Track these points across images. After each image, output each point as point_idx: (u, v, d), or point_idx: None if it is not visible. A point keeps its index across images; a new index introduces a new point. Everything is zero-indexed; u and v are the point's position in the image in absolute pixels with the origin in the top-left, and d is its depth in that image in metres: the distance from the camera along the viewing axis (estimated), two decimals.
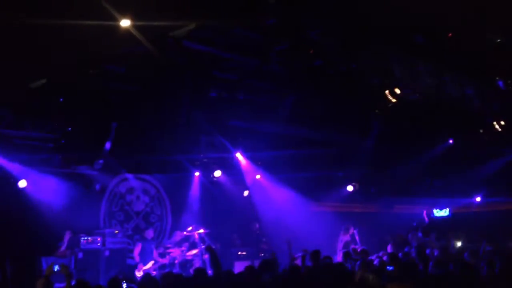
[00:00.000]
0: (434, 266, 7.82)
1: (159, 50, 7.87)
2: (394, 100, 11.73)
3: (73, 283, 7.29)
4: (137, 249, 12.89)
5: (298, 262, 9.77)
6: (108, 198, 14.14)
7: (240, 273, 8.00)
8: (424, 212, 16.19)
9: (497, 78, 11.91)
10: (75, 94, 9.84)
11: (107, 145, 11.38)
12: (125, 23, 6.59)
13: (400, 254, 10.83)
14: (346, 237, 14.29)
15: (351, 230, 14.36)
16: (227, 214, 15.59)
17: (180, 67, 9.14)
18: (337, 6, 8.33)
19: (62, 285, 8.33)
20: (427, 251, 11.05)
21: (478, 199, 18.78)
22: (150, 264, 12.58)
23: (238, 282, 7.35)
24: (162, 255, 13.04)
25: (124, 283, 10.11)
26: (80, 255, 11.93)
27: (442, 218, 20.06)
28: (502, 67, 11.73)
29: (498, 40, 10.46)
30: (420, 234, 15.63)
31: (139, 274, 12.23)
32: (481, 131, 14.95)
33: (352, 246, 13.50)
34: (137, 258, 12.75)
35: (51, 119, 11.17)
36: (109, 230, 12.91)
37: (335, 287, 6.34)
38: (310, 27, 8.66)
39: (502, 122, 14.46)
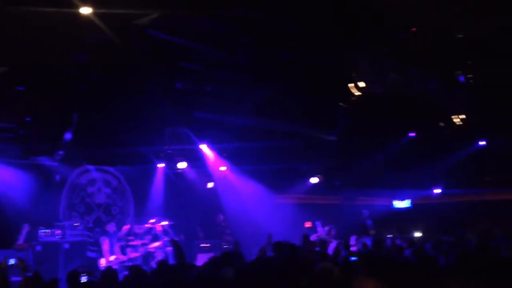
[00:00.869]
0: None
1: (122, 39, 7.69)
2: (358, 93, 11.86)
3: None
4: (105, 245, 12.52)
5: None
6: (69, 190, 13.83)
7: (203, 265, 7.91)
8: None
9: (457, 72, 12.17)
10: (36, 83, 9.55)
11: (68, 136, 11.10)
12: (86, 10, 6.40)
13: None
14: (322, 231, 14.33)
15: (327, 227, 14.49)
16: (191, 206, 15.51)
17: (145, 57, 8.96)
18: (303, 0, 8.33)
19: (18, 278, 8.10)
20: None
21: (438, 190, 19.24)
22: (112, 258, 12.37)
23: (200, 275, 7.25)
24: (123, 248, 12.85)
25: (84, 276, 9.94)
26: (39, 248, 11.63)
27: (403, 209, 20.51)
28: (462, 62, 12.01)
29: (459, 36, 10.68)
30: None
31: (103, 264, 12.02)
32: (441, 124, 15.29)
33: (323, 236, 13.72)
34: (106, 254, 12.39)
35: (10, 109, 10.80)
36: (69, 223, 12.63)
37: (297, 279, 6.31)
38: (276, 20, 8.63)
39: (462, 116, 14.84)
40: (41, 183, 12.75)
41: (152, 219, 13.59)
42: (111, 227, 13.02)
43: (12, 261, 8.87)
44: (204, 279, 6.81)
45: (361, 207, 18.01)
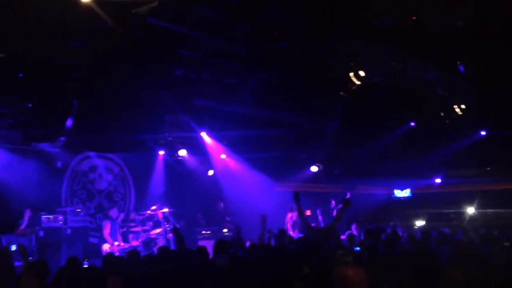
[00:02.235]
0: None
1: (122, 27, 7.74)
2: (358, 82, 11.89)
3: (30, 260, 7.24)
4: (106, 229, 12.58)
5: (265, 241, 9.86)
6: (70, 176, 13.94)
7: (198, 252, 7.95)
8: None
9: (458, 62, 12.15)
10: (36, 69, 9.60)
11: (69, 122, 11.18)
12: None
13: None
14: (293, 215, 14.25)
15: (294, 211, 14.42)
16: (192, 193, 15.60)
17: (145, 44, 9.01)
18: None
19: (20, 263, 8.23)
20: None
21: (438, 180, 19.30)
22: (116, 244, 12.45)
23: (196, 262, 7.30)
24: (125, 235, 12.98)
25: (86, 262, 10.08)
26: (41, 233, 11.73)
27: (403, 198, 20.60)
28: (463, 52, 11.98)
29: (461, 25, 10.64)
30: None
31: (105, 250, 12.12)
32: (442, 114, 15.31)
33: (313, 224, 13.72)
34: (108, 239, 12.43)
35: (11, 95, 10.88)
36: (71, 209, 12.73)
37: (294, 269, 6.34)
38: (275, 8, 8.64)
39: (463, 106, 14.85)
40: (43, 169, 12.85)
41: (153, 206, 13.70)
42: (113, 213, 13.06)
43: (13, 247, 9.02)
44: (201, 265, 6.88)
45: (361, 195, 18.09)
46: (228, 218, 15.84)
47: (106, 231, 12.50)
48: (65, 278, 6.23)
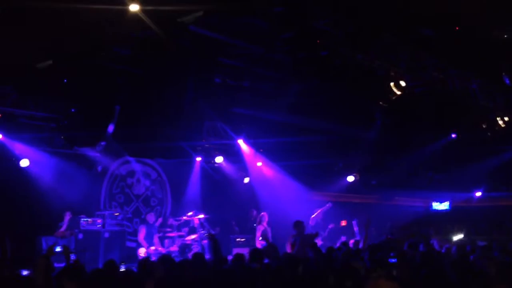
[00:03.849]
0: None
1: (167, 35, 7.85)
2: (398, 92, 11.69)
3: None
4: (141, 233, 12.56)
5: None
6: (109, 180, 14.18)
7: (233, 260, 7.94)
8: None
9: (503, 74, 11.84)
10: (80, 75, 9.82)
11: (110, 128, 11.38)
12: (134, 7, 6.60)
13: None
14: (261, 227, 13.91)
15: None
16: (227, 200, 15.65)
17: (186, 52, 9.10)
18: None
19: (61, 265, 8.39)
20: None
21: (479, 193, 18.83)
22: (152, 248, 12.48)
23: (230, 270, 7.28)
24: (161, 240, 13.07)
25: (122, 265, 10.19)
26: (80, 236, 11.97)
27: (441, 211, 20.17)
28: (508, 63, 11.68)
29: (505, 36, 10.40)
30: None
31: (141, 254, 12.19)
32: (484, 126, 14.92)
33: (343, 238, 13.59)
34: (143, 243, 12.41)
35: (55, 100, 11.18)
36: (109, 212, 12.94)
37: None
38: (317, 16, 8.61)
39: (506, 118, 14.43)
40: (84, 173, 13.13)
41: (189, 212, 13.78)
42: (150, 218, 13.01)
43: (58, 248, 9.21)
44: (232, 273, 6.85)
45: (398, 207, 17.83)
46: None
47: (141, 235, 12.53)
48: (102, 281, 6.32)
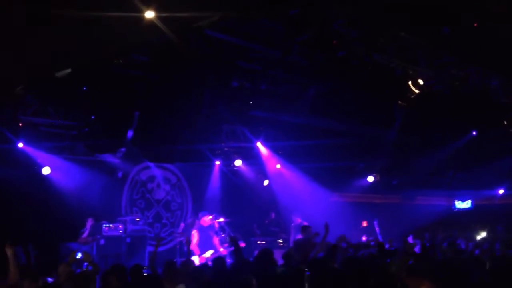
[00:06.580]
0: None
1: (183, 41, 7.89)
2: (417, 91, 11.58)
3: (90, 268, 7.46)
4: (195, 239, 11.37)
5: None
6: (130, 186, 14.29)
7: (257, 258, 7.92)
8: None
9: None
10: (99, 83, 9.92)
11: (130, 134, 11.47)
12: (149, 14, 6.64)
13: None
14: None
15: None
16: (247, 203, 15.65)
17: (204, 56, 9.13)
18: None
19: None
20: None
21: (501, 191, 18.54)
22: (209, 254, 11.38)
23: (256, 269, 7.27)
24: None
25: (145, 269, 10.24)
26: (102, 241, 12.08)
27: (464, 210, 19.91)
28: None
29: None
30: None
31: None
32: (505, 123, 14.70)
33: (366, 237, 13.50)
34: (196, 250, 11.21)
35: (75, 108, 11.31)
36: (130, 218, 13.05)
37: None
38: (333, 17, 8.58)
39: None
40: (105, 179, 13.25)
41: (210, 215, 13.78)
42: (204, 220, 12.11)
43: (79, 255, 9.32)
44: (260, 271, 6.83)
45: (420, 207, 17.63)
46: (276, 229, 15.68)
47: (195, 241, 11.35)
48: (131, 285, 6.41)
